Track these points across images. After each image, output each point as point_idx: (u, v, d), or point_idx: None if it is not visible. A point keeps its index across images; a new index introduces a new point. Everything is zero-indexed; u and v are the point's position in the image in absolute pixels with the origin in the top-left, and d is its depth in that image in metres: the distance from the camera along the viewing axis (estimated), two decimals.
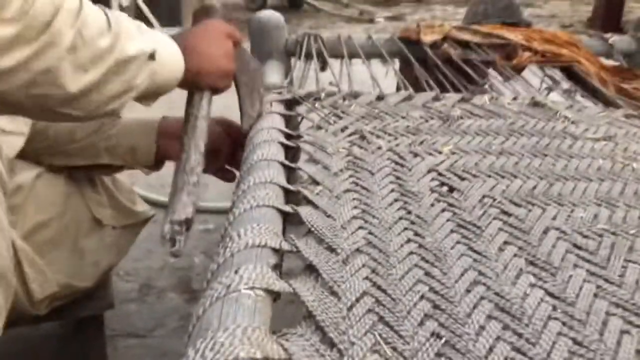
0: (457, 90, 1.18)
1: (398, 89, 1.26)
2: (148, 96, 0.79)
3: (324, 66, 1.33)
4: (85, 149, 1.00)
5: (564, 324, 0.53)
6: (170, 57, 0.79)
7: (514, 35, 1.40)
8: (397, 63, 1.40)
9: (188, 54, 0.82)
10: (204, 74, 0.85)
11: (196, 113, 0.86)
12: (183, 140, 0.84)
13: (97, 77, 0.70)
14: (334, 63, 1.33)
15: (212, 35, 0.87)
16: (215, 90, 0.88)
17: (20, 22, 0.63)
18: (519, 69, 1.34)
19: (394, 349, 0.48)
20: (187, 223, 0.74)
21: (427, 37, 1.40)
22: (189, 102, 0.87)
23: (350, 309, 0.51)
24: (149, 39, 0.76)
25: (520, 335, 0.51)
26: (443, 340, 0.49)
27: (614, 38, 1.48)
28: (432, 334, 0.50)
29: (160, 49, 0.77)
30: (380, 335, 0.49)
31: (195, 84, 0.85)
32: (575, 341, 0.51)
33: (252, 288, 0.48)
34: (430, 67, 1.32)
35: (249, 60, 0.98)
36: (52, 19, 0.65)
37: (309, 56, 1.34)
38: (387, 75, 1.32)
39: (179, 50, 0.81)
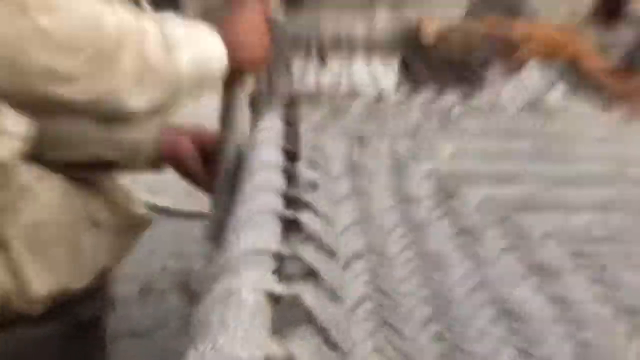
0: (457, 89, 1.18)
1: (398, 86, 1.26)
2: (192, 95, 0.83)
3: (323, 63, 1.33)
4: (86, 144, 1.00)
5: (567, 328, 0.53)
6: (214, 58, 0.83)
7: (514, 33, 1.40)
8: (396, 60, 1.40)
9: (230, 49, 0.84)
10: (243, 66, 0.89)
11: (234, 102, 0.90)
12: (225, 132, 0.89)
13: (158, 95, 0.74)
14: (334, 61, 1.32)
15: (252, 25, 0.91)
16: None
17: (92, 61, 0.67)
18: (518, 67, 1.34)
19: (397, 349, 0.48)
20: None
21: (427, 33, 1.40)
22: (226, 91, 0.91)
23: (351, 312, 0.51)
24: (198, 44, 0.80)
25: (525, 338, 0.51)
26: (447, 342, 0.49)
27: (614, 35, 1.48)
28: (436, 336, 0.50)
29: (207, 52, 0.81)
30: (382, 336, 0.49)
31: (233, 75, 0.88)
32: (579, 344, 0.51)
33: (252, 291, 0.48)
34: (430, 64, 1.32)
35: (275, 31, 1.01)
36: (115, 51, 0.69)
37: (308, 53, 1.34)
38: (386, 75, 1.31)
39: (223, 48, 0.83)
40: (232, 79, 0.89)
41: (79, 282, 1.01)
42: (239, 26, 0.88)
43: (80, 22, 0.65)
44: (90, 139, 1.00)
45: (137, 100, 0.72)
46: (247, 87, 0.94)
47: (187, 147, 1.02)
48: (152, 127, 0.90)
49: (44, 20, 0.63)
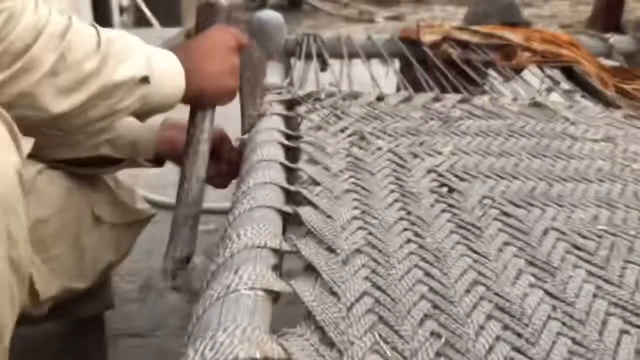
0: (456, 90, 1.18)
1: (398, 89, 1.26)
2: (142, 115, 0.79)
3: (324, 66, 1.33)
4: (86, 140, 1.00)
5: (563, 324, 0.53)
6: (168, 79, 0.78)
7: (514, 36, 1.40)
8: (396, 63, 1.41)
9: (191, 73, 0.80)
10: (207, 94, 0.84)
11: (198, 136, 0.84)
12: (185, 167, 0.83)
13: (79, 100, 0.69)
14: (334, 63, 1.33)
15: (217, 50, 0.85)
16: (214, 106, 0.88)
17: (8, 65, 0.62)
18: (518, 70, 1.34)
19: (394, 348, 0.48)
20: (188, 259, 0.74)
21: (427, 38, 1.40)
22: (191, 122, 0.86)
23: (350, 309, 0.51)
24: (143, 61, 0.74)
25: (519, 335, 0.51)
26: (443, 340, 0.50)
27: (613, 38, 1.48)
28: (432, 334, 0.50)
29: (156, 71, 0.75)
30: (379, 335, 0.49)
31: (197, 102, 0.84)
32: (574, 341, 0.51)
33: (252, 288, 0.48)
34: (430, 67, 1.32)
35: (253, 53, 0.96)
36: (32, 43, 0.64)
37: (308, 56, 1.34)
38: (387, 76, 1.32)
39: (181, 70, 0.79)
40: (197, 106, 0.85)
41: (82, 281, 1.01)
42: (201, 53, 0.83)
43: None
44: (90, 139, 1.00)
45: (55, 103, 0.67)
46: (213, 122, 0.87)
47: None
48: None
49: None
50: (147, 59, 0.75)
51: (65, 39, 0.67)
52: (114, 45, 0.72)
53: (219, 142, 1.01)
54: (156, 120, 1.02)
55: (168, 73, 0.78)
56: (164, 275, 0.75)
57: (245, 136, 0.92)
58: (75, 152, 1.00)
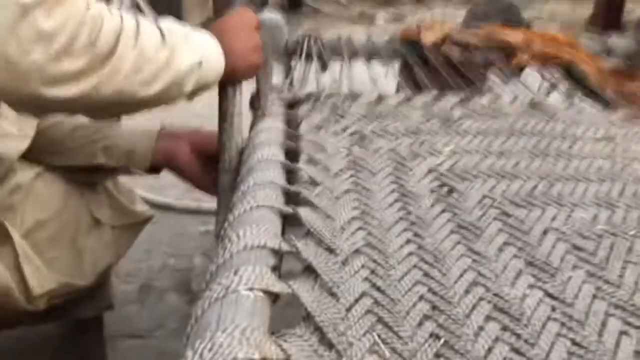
0: (456, 91, 1.18)
1: (398, 90, 1.26)
2: (191, 95, 0.83)
3: (324, 67, 1.33)
4: (82, 148, 1.00)
5: (562, 324, 0.53)
6: (214, 61, 0.83)
7: (514, 37, 1.40)
8: (397, 64, 1.40)
9: (225, 53, 0.85)
10: (238, 71, 0.88)
11: (232, 110, 0.90)
12: (223, 140, 0.89)
13: (160, 89, 0.75)
14: (334, 64, 1.33)
15: (241, 30, 0.90)
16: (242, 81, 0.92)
17: (88, 54, 0.67)
18: (518, 70, 1.34)
19: (393, 349, 0.48)
20: None
21: (427, 38, 1.40)
22: (223, 97, 0.91)
23: (349, 309, 0.51)
24: (197, 48, 0.80)
25: (519, 336, 0.51)
26: (442, 341, 0.50)
27: (613, 39, 1.48)
28: (431, 335, 0.50)
29: (206, 55, 0.81)
30: (378, 335, 0.49)
31: (229, 79, 0.88)
32: (574, 342, 0.51)
33: (251, 289, 0.48)
34: (430, 68, 1.32)
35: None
36: (115, 45, 0.70)
37: (309, 57, 1.34)
38: (387, 76, 1.32)
39: (220, 51, 0.84)
40: (228, 83, 0.90)
41: (81, 280, 1.01)
42: (229, 32, 0.88)
43: (79, 26, 0.66)
44: (85, 146, 1.01)
45: (142, 94, 0.74)
46: (245, 89, 0.94)
47: (184, 153, 1.03)
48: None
49: (44, 24, 0.64)
50: (199, 45, 0.81)
51: (139, 37, 0.73)
52: (173, 35, 0.78)
53: (198, 146, 1.02)
54: (152, 129, 1.02)
55: (213, 54, 0.84)
56: (217, 241, 0.77)
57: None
58: (70, 160, 1.01)
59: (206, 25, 0.90)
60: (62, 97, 0.67)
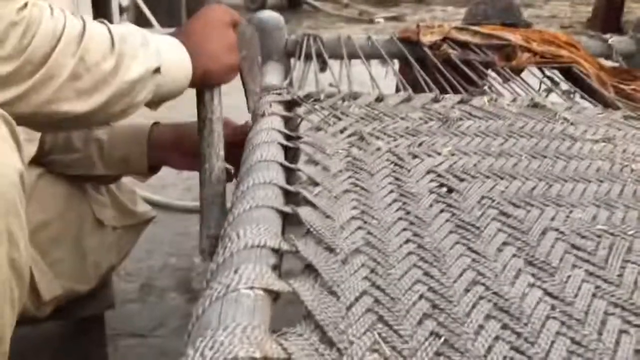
0: (456, 91, 1.18)
1: (397, 90, 1.26)
2: (153, 104, 0.79)
3: (323, 67, 1.34)
4: (81, 160, 1.00)
5: (562, 323, 0.53)
6: (176, 67, 0.78)
7: (513, 36, 1.40)
8: (396, 64, 1.41)
9: (193, 55, 0.80)
10: (210, 73, 0.84)
11: (210, 116, 0.85)
12: (203, 148, 0.84)
13: (101, 101, 0.70)
14: (334, 64, 1.33)
15: (212, 28, 0.85)
16: (220, 84, 0.88)
17: (18, 60, 0.62)
18: (518, 70, 1.34)
19: (393, 348, 0.48)
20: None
21: (427, 38, 1.40)
22: (200, 103, 0.86)
23: (349, 308, 0.51)
24: (153, 53, 0.75)
25: (519, 335, 0.51)
26: (442, 340, 0.50)
27: (613, 39, 1.48)
28: (431, 333, 0.50)
29: (166, 60, 0.76)
30: (379, 334, 0.49)
31: (203, 83, 0.84)
32: (573, 341, 0.52)
33: (251, 288, 0.48)
34: (429, 68, 1.32)
35: (244, 30, 0.95)
36: (51, 51, 0.64)
37: (308, 57, 1.34)
38: (386, 77, 1.32)
39: (186, 54, 0.80)
40: (204, 87, 0.86)
41: (85, 283, 1.02)
42: (199, 33, 0.83)
43: (9, 27, 0.61)
44: (82, 159, 1.00)
45: (78, 105, 0.68)
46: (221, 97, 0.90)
47: (175, 161, 1.03)
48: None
49: None
50: (157, 50, 0.76)
51: (83, 42, 0.67)
52: (126, 42, 0.72)
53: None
54: (144, 135, 1.02)
55: (176, 60, 0.79)
56: (203, 255, 0.75)
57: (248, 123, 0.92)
58: (71, 170, 1.01)
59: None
60: None
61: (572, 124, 1.02)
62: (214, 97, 0.86)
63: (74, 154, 1.00)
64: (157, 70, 0.75)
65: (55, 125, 0.71)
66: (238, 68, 0.89)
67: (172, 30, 0.85)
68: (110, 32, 0.71)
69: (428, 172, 0.81)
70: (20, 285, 0.65)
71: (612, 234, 0.69)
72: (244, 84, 0.94)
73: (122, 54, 0.71)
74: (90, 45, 0.68)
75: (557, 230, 0.69)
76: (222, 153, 0.84)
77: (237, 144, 0.94)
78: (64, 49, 0.65)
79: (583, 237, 0.68)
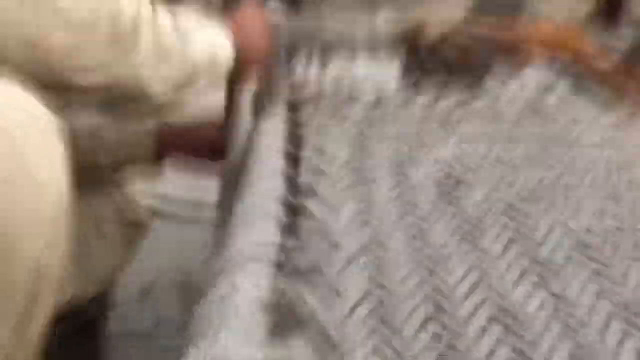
0: (456, 91, 1.18)
1: (398, 89, 1.26)
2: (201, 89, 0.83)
3: (324, 66, 1.33)
4: (84, 153, 1.00)
5: (565, 325, 0.53)
6: (222, 54, 0.83)
7: (515, 34, 1.40)
8: (397, 64, 1.40)
9: (234, 43, 0.85)
10: (246, 62, 0.88)
11: (238, 102, 0.91)
12: (227, 133, 0.90)
13: (173, 81, 0.75)
14: (334, 64, 1.33)
15: (254, 27, 0.91)
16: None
17: (112, 44, 0.67)
18: (519, 68, 1.34)
19: (395, 351, 0.48)
20: None
21: (428, 38, 1.40)
22: (230, 90, 0.90)
23: (352, 309, 0.51)
24: (207, 39, 0.80)
25: (521, 338, 0.51)
26: (444, 343, 0.49)
27: (613, 37, 1.48)
28: (434, 336, 0.50)
29: (216, 47, 0.81)
30: (381, 336, 0.49)
31: (236, 72, 0.88)
32: (576, 343, 0.51)
33: (253, 289, 0.48)
34: (430, 68, 1.32)
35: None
36: (133, 35, 0.69)
37: (309, 56, 1.34)
38: (387, 76, 1.31)
39: (230, 44, 0.84)
40: (236, 75, 0.89)
41: (86, 291, 1.02)
42: (241, 22, 0.88)
43: (99, 4, 0.65)
44: (85, 152, 1.00)
45: (156, 83, 0.72)
46: (250, 85, 0.94)
47: (184, 160, 1.03)
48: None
49: (63, 2, 0.62)
50: (210, 32, 0.82)
51: (156, 25, 0.72)
52: (188, 24, 0.78)
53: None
54: (147, 129, 1.02)
55: (223, 42, 0.84)
56: (216, 233, 0.78)
57: None
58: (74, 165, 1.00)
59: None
60: (87, 86, 0.67)
61: (572, 123, 1.01)
62: (243, 87, 0.91)
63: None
64: (212, 63, 0.80)
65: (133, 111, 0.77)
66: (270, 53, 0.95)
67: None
68: (172, 17, 0.77)
69: (430, 172, 0.80)
70: (57, 295, 0.67)
71: (614, 235, 0.68)
72: (269, 76, 0.99)
73: (186, 40, 0.76)
74: (161, 28, 0.73)
75: (560, 230, 0.68)
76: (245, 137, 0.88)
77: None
78: (145, 31, 0.71)
79: (586, 237, 0.68)
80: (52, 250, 0.60)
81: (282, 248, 0.55)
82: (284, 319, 0.49)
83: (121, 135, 1.01)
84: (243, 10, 0.91)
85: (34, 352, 0.65)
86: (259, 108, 0.96)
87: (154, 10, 0.72)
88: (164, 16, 0.74)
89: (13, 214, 0.54)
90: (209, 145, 0.98)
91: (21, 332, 0.61)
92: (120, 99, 0.71)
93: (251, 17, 0.90)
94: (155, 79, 0.71)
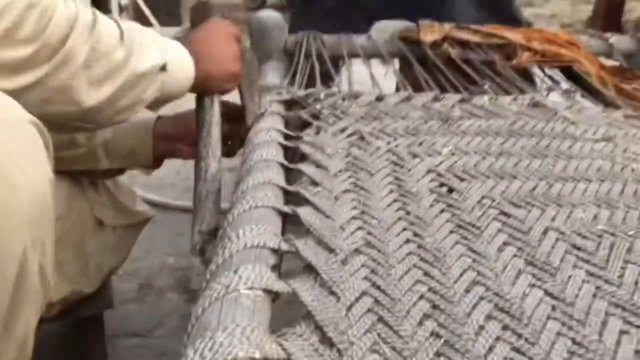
0: (456, 90, 1.18)
1: (397, 89, 1.26)
2: (156, 104, 0.79)
3: (324, 67, 1.33)
4: (85, 155, 1.00)
5: (563, 324, 0.53)
6: (180, 67, 0.79)
7: (514, 35, 1.40)
8: (396, 63, 1.40)
9: (196, 59, 0.81)
10: (212, 79, 0.85)
11: (209, 119, 0.86)
12: (200, 148, 0.85)
13: (110, 92, 0.70)
14: (334, 63, 1.33)
15: (217, 37, 0.87)
16: (222, 92, 0.89)
17: (36, 42, 0.62)
18: (518, 69, 1.34)
19: (393, 348, 0.48)
20: (216, 231, 0.75)
21: (427, 37, 1.40)
22: (199, 107, 0.88)
23: (349, 308, 0.51)
24: (160, 51, 0.76)
25: (519, 336, 0.51)
26: (442, 340, 0.50)
27: (614, 38, 1.48)
28: (432, 334, 0.50)
29: (171, 60, 0.77)
30: (379, 335, 0.49)
31: (204, 88, 0.85)
32: (574, 341, 0.51)
33: (251, 288, 0.48)
34: (429, 67, 1.32)
35: (244, 51, 0.97)
36: (66, 36, 0.65)
37: (308, 56, 1.34)
38: (386, 76, 1.32)
39: (189, 58, 0.81)
40: (204, 93, 0.87)
41: (88, 285, 1.01)
42: (204, 40, 0.85)
43: (27, 8, 0.61)
44: (86, 154, 1.00)
45: (91, 95, 0.68)
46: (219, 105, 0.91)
47: (182, 151, 1.03)
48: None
49: None
50: (163, 48, 0.77)
51: (95, 31, 0.68)
52: (134, 36, 0.73)
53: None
54: (149, 127, 1.02)
55: (181, 60, 0.80)
56: (193, 252, 0.76)
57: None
58: (75, 166, 1.00)
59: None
60: (5, 88, 0.61)
61: (572, 123, 1.02)
62: (214, 103, 0.87)
63: (78, 149, 1.00)
64: (164, 68, 0.75)
65: (61, 123, 0.71)
66: (239, 77, 0.90)
67: (173, 29, 0.86)
68: (118, 25, 0.72)
69: (428, 172, 0.80)
70: (44, 291, 0.66)
71: (612, 234, 0.69)
72: (242, 100, 0.95)
73: (131, 47, 0.72)
74: (101, 35, 0.69)
75: (557, 230, 0.69)
76: (219, 154, 0.85)
77: (235, 119, 0.95)
78: (77, 35, 0.66)
79: (584, 237, 0.68)
80: (35, 248, 0.60)
81: (279, 250, 0.55)
82: (282, 318, 0.49)
83: (120, 135, 1.01)
84: (207, 29, 0.87)
85: (24, 349, 0.65)
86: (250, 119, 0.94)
87: (95, 18, 0.68)
88: (107, 24, 0.70)
89: None
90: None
91: (9, 326, 0.61)
92: (56, 113, 0.66)
93: (215, 37, 0.86)
94: (89, 87, 0.67)
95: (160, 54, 0.75)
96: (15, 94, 0.62)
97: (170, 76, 0.76)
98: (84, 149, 1.00)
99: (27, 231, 0.58)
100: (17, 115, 0.60)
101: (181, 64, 0.80)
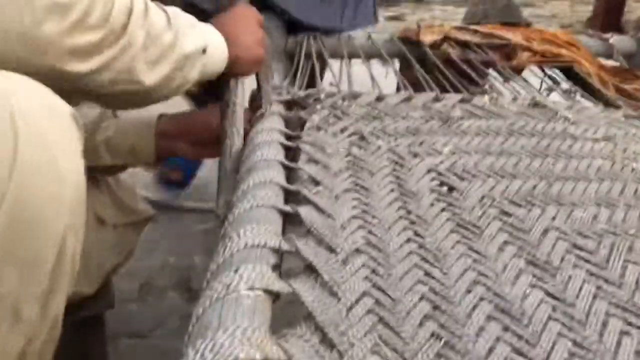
0: (457, 90, 1.18)
1: (398, 89, 1.26)
2: (196, 86, 0.84)
3: (324, 66, 1.33)
4: (87, 151, 1.00)
5: (563, 325, 0.53)
6: (217, 50, 0.84)
7: (514, 36, 1.40)
8: (397, 63, 1.41)
9: (228, 43, 0.86)
10: (240, 62, 0.89)
11: (234, 99, 0.91)
12: (225, 127, 0.90)
13: (165, 72, 0.76)
14: (334, 63, 1.33)
15: (245, 22, 0.92)
16: (246, 75, 0.93)
17: (103, 29, 0.68)
18: (518, 70, 1.34)
19: (394, 349, 0.48)
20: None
21: (427, 38, 1.40)
22: (226, 88, 0.92)
23: (350, 309, 0.51)
24: (200, 34, 0.81)
25: (520, 337, 0.51)
26: (443, 341, 0.50)
27: (614, 38, 1.48)
28: (432, 335, 0.50)
29: (210, 43, 0.82)
30: (380, 336, 0.49)
31: (232, 70, 0.89)
32: (575, 342, 0.51)
33: (251, 288, 0.48)
34: (430, 67, 1.32)
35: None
36: (127, 22, 0.70)
37: (309, 57, 1.34)
38: (387, 76, 1.32)
39: (224, 41, 0.85)
40: (230, 75, 0.90)
41: (89, 286, 1.01)
42: (233, 25, 0.89)
43: (95, 2, 0.66)
44: (88, 150, 1.00)
45: (148, 76, 0.73)
46: (246, 86, 0.95)
47: (184, 150, 1.03)
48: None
49: None
50: (203, 31, 0.82)
51: (148, 16, 0.73)
52: (178, 20, 0.78)
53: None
54: (151, 124, 1.02)
55: (217, 42, 0.85)
56: (218, 218, 0.80)
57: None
58: None
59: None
60: (79, 71, 0.67)
61: (572, 123, 1.02)
62: (238, 84, 0.92)
63: None
64: (204, 51, 0.80)
65: (125, 100, 0.76)
66: (263, 62, 0.95)
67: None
68: (165, 10, 0.77)
69: (429, 171, 0.80)
70: (73, 278, 0.68)
71: (613, 234, 0.69)
72: (259, 83, 0.99)
73: (177, 30, 0.77)
74: (153, 19, 0.74)
75: (558, 229, 0.69)
76: (242, 132, 0.90)
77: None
78: (135, 20, 0.71)
79: (584, 236, 0.68)
80: (71, 233, 0.63)
81: (280, 250, 0.55)
82: (282, 319, 0.49)
83: (123, 132, 1.01)
84: (235, 13, 0.92)
85: (53, 332, 0.66)
86: (256, 109, 0.97)
87: (146, 4, 0.74)
88: (156, 11, 0.75)
89: (39, 200, 0.57)
90: (205, 130, 0.99)
91: (46, 306, 0.63)
92: (118, 94, 0.72)
93: (242, 21, 0.91)
94: (148, 68, 0.73)
95: (201, 37, 0.81)
96: (88, 76, 0.68)
97: (209, 58, 0.82)
98: (86, 146, 1.00)
99: (67, 217, 0.61)
100: (61, 107, 0.63)
101: (218, 47, 0.85)
